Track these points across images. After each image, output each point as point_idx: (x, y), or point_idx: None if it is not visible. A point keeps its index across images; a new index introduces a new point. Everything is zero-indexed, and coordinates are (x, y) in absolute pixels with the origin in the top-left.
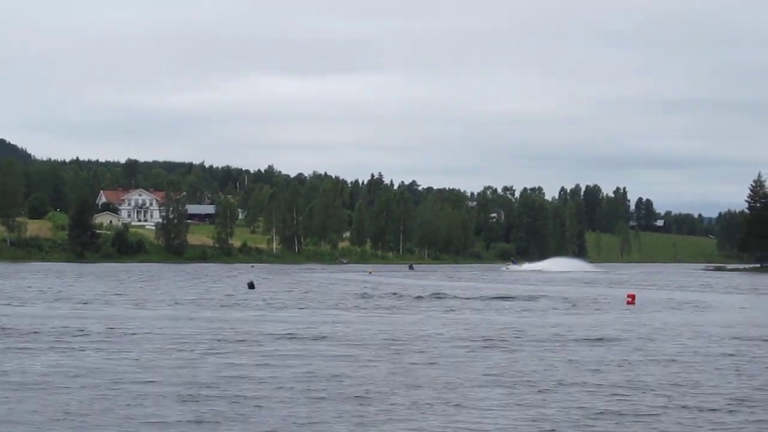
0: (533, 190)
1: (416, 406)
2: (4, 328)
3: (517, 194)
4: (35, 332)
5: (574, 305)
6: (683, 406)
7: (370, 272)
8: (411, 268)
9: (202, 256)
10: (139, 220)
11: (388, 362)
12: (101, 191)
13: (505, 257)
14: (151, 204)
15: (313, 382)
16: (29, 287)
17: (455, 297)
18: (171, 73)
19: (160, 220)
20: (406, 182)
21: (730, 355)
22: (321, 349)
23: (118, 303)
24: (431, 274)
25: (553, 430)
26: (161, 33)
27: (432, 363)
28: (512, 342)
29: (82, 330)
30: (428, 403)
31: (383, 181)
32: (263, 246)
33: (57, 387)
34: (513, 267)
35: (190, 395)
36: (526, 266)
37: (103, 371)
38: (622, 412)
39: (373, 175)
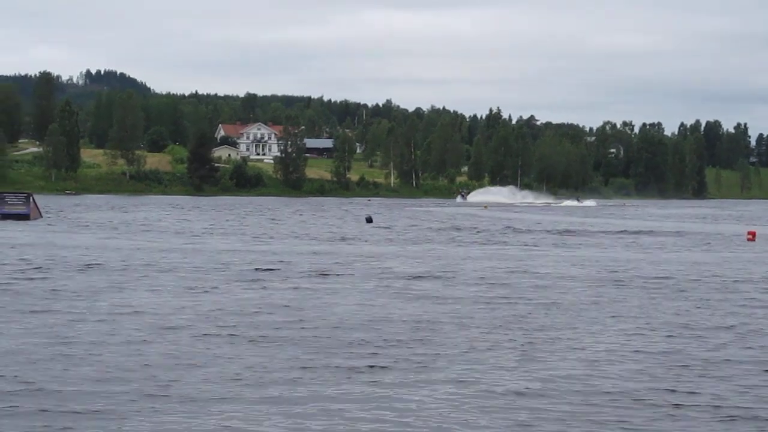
0: (652, 125)
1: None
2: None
3: (636, 129)
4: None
5: (708, 243)
6: None
7: (485, 207)
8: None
9: (320, 189)
10: (258, 154)
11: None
12: (220, 125)
13: (623, 193)
14: (269, 138)
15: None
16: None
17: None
18: (285, 8)
19: (279, 154)
20: (524, 117)
21: None
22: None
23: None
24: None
25: None
26: None
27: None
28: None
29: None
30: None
31: (501, 116)
32: (381, 180)
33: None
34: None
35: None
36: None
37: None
38: None
39: (491, 110)
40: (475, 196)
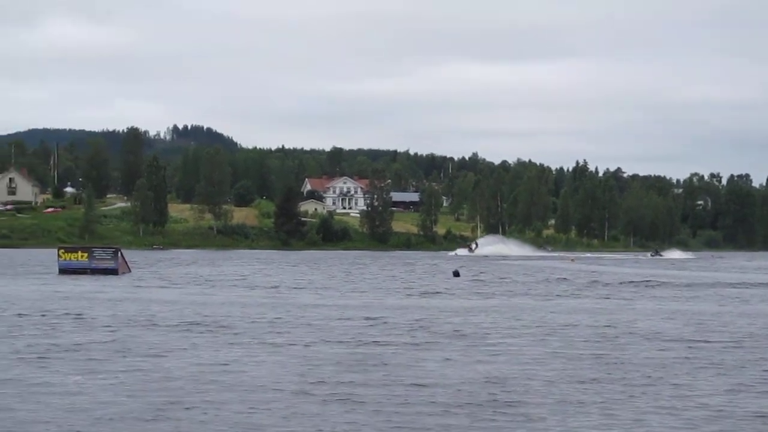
0: (740, 176)
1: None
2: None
3: (724, 181)
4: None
5: None
6: None
7: (572, 260)
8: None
9: (406, 243)
10: (344, 208)
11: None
12: (306, 179)
13: (712, 245)
14: (355, 192)
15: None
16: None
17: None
18: (368, 60)
19: (365, 208)
20: (611, 169)
21: None
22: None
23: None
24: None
25: None
26: (356, 21)
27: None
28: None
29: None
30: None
31: (588, 168)
32: (468, 233)
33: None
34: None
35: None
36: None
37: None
38: None
39: (578, 162)
40: (482, 249)
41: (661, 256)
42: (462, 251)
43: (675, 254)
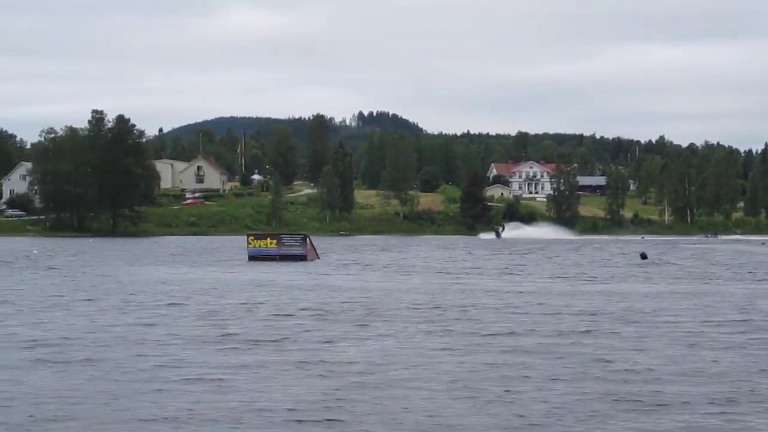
0: None
1: None
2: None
3: None
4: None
5: None
6: None
7: (763, 243)
8: None
9: (593, 227)
10: (530, 193)
11: None
12: (492, 164)
13: None
14: (541, 176)
15: None
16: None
17: None
18: (553, 45)
19: (551, 192)
20: None
21: None
22: None
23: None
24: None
25: None
26: (541, 5)
27: None
28: None
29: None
30: None
31: None
32: (655, 217)
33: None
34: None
35: None
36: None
37: None
38: None
39: (766, 144)
40: (508, 233)
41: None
42: (486, 236)
43: None
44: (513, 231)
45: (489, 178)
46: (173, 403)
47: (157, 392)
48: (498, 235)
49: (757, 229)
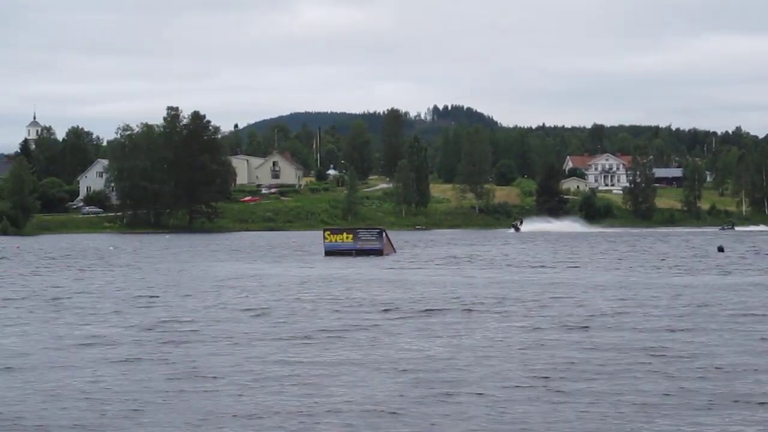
0: None
1: None
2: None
3: None
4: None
5: None
6: None
7: None
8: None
9: (669, 219)
10: (606, 185)
11: None
12: (567, 157)
13: None
14: (617, 168)
15: None
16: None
17: None
18: (628, 36)
19: (627, 185)
20: None
21: None
22: None
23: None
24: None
25: None
26: None
27: None
28: None
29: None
30: None
31: None
32: (732, 208)
33: None
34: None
35: None
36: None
37: None
38: None
39: None
40: (526, 227)
41: (733, 229)
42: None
43: None
44: (530, 226)
45: (565, 170)
46: (254, 400)
47: (236, 387)
48: (517, 229)
49: None
